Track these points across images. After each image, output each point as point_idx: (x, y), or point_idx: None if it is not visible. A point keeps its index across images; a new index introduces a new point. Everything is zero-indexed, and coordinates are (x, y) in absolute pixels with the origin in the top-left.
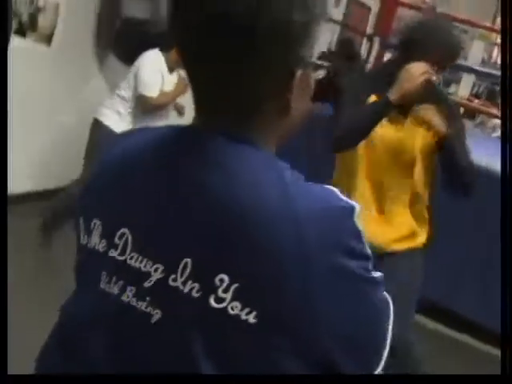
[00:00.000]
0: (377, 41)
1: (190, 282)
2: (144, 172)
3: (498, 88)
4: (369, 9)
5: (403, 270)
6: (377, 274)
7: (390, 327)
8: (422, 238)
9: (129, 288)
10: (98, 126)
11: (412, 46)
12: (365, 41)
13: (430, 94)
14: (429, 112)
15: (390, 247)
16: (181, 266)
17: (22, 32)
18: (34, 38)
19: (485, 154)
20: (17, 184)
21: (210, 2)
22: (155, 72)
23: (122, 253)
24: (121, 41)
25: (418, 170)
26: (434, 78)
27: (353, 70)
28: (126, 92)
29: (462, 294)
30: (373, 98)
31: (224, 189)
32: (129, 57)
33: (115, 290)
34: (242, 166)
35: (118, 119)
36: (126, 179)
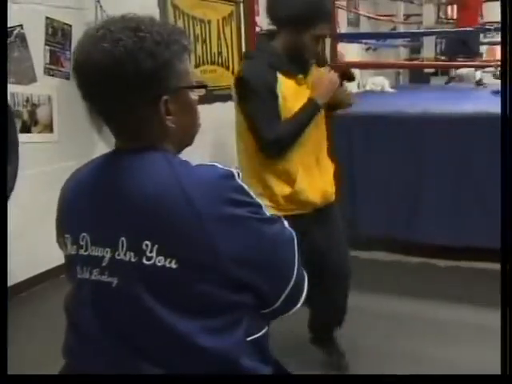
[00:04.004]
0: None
1: (128, 253)
2: (90, 190)
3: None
4: None
5: None
6: (270, 216)
7: (294, 254)
8: None
9: (94, 270)
10: None
11: (297, 20)
12: None
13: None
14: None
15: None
16: (120, 244)
17: (27, 129)
18: (38, 130)
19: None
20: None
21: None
22: None
23: (86, 249)
24: None
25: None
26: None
27: None
28: None
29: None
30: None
31: (134, 185)
32: None
33: (87, 275)
34: (144, 165)
35: None
36: (80, 199)
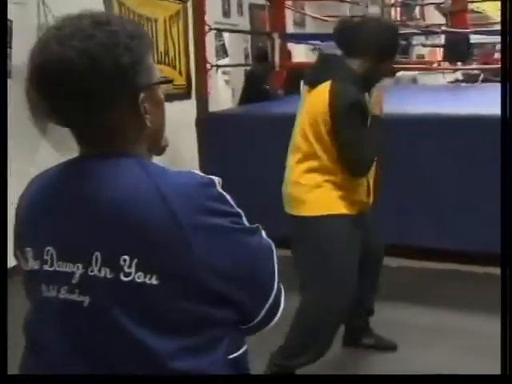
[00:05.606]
0: (276, 36)
1: (103, 269)
2: (55, 199)
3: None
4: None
5: None
6: (251, 225)
7: (274, 265)
8: None
9: (62, 288)
10: None
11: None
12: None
13: None
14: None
15: None
16: (93, 259)
17: None
18: None
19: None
20: None
21: (51, 60)
22: None
23: (51, 265)
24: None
25: None
26: None
27: (267, 69)
28: None
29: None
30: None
31: (108, 194)
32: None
33: (53, 293)
34: (118, 172)
35: None
36: (43, 208)
